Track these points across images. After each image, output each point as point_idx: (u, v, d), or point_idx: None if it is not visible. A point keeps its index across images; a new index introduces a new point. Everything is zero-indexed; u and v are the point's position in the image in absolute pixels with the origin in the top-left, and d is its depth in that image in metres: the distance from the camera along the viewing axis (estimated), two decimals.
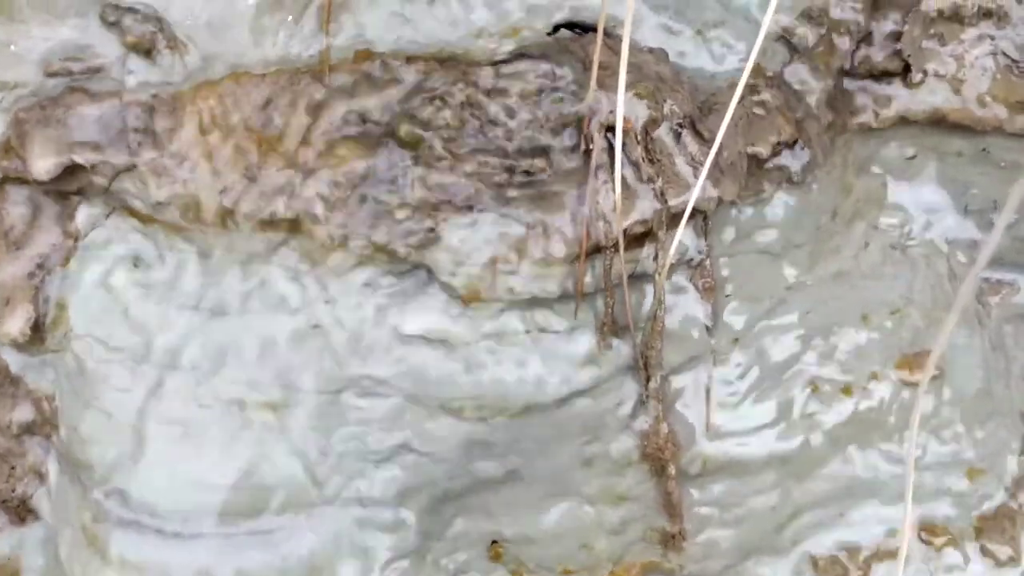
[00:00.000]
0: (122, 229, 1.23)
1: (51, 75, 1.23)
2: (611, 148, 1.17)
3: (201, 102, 1.20)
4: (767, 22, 1.10)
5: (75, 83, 1.23)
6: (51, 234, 1.24)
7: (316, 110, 1.20)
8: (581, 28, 1.26)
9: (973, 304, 1.41)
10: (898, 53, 1.35)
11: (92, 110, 1.21)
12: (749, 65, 1.11)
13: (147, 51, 1.21)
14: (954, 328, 1.36)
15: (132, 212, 1.22)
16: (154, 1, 1.22)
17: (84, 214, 1.24)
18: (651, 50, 1.25)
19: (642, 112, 1.18)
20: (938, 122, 1.37)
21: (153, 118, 1.20)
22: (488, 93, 1.20)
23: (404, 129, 1.18)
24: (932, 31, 1.35)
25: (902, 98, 1.36)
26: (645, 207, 1.18)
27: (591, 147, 1.18)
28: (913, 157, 1.39)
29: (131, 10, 1.21)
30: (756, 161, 1.26)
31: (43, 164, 1.20)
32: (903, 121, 1.37)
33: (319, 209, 1.18)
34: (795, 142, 1.26)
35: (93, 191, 1.23)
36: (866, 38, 1.35)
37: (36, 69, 1.23)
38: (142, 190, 1.21)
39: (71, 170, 1.21)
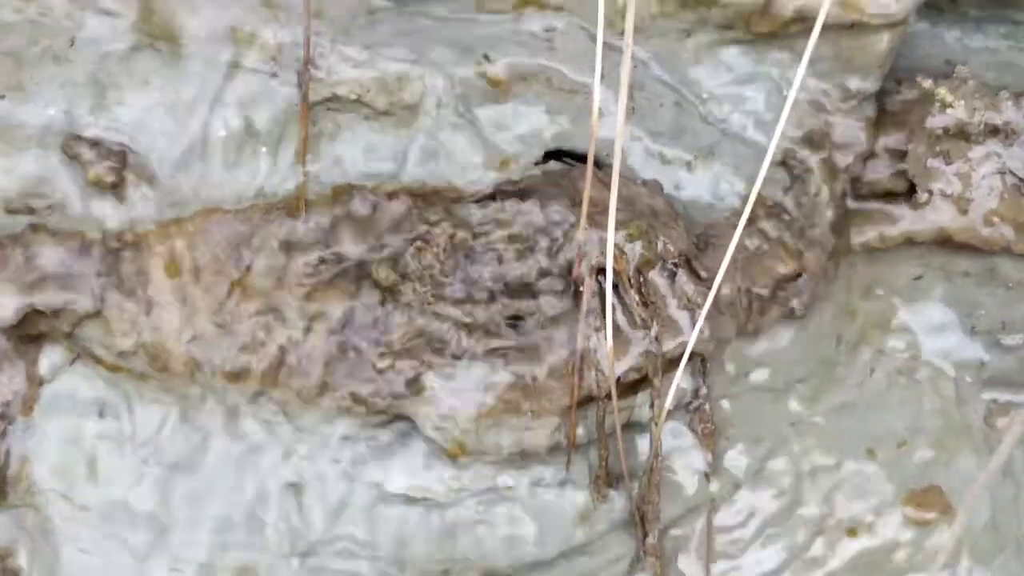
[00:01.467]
0: (88, 376, 1.16)
1: (12, 212, 1.16)
2: (602, 291, 1.11)
3: (168, 242, 1.14)
4: (770, 154, 1.04)
5: (37, 220, 1.16)
6: (14, 380, 1.17)
7: (291, 250, 1.14)
8: (572, 157, 1.20)
9: (981, 427, 1.35)
10: (903, 173, 1.30)
11: (54, 252, 1.14)
12: (750, 203, 1.05)
13: (112, 186, 1.15)
14: (961, 455, 1.31)
15: (98, 359, 1.16)
16: (120, 132, 1.15)
17: (48, 360, 1.17)
18: (644, 182, 1.19)
19: (635, 253, 1.12)
20: (944, 242, 1.32)
21: (118, 260, 1.14)
22: (473, 232, 1.14)
23: (383, 274, 1.12)
24: (938, 149, 1.29)
25: (907, 218, 1.30)
26: (639, 353, 1.12)
27: (581, 290, 1.12)
28: (919, 277, 1.33)
29: (94, 143, 1.15)
30: (756, 297, 1.20)
31: (3, 311, 1.13)
32: (909, 242, 1.31)
33: (294, 359, 1.12)
34: (798, 275, 1.21)
35: (56, 336, 1.16)
36: (870, 158, 1.29)
37: None
38: (107, 337, 1.14)
39: (33, 314, 1.14)
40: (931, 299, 1.34)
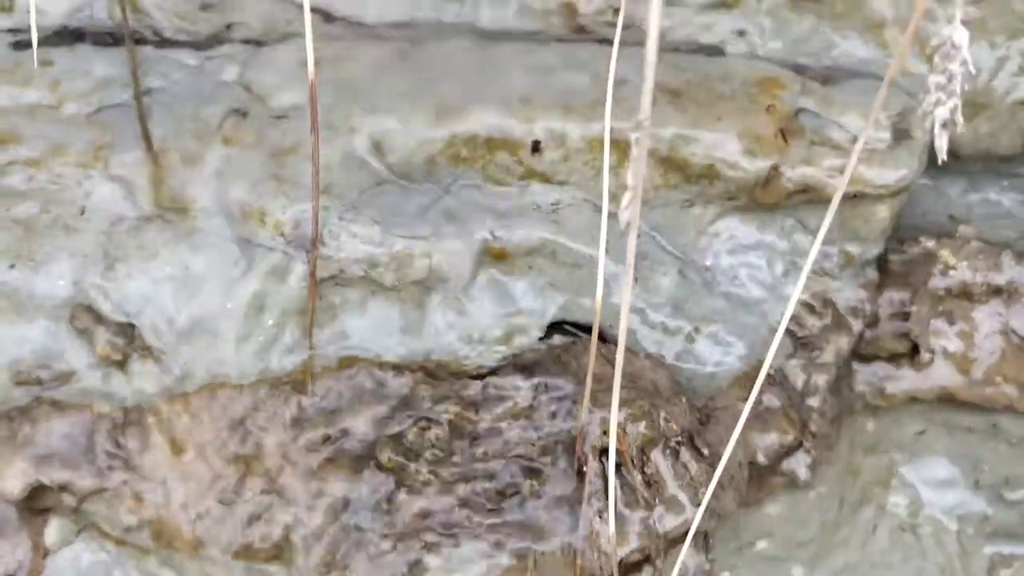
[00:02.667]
0: (93, 549, 1.17)
1: (20, 383, 1.17)
2: (605, 471, 1.11)
3: (174, 418, 1.15)
4: (781, 330, 1.04)
5: (44, 392, 1.17)
6: (18, 550, 1.18)
7: (297, 427, 1.15)
8: (576, 327, 1.21)
9: None
10: (906, 334, 1.30)
11: (61, 426, 1.15)
12: (757, 385, 1.06)
13: (119, 360, 1.16)
14: None
15: (103, 533, 1.16)
16: (129, 305, 1.16)
17: (54, 531, 1.18)
18: (647, 355, 1.20)
19: (637, 432, 1.13)
20: (947, 399, 1.32)
21: (124, 435, 1.15)
22: (476, 409, 1.15)
23: (386, 455, 1.12)
24: (941, 309, 1.30)
25: (910, 378, 1.31)
26: (641, 533, 1.13)
27: (585, 470, 1.13)
28: (922, 433, 1.34)
29: (102, 317, 1.16)
30: (758, 468, 1.20)
31: (10, 485, 1.14)
32: (912, 400, 1.31)
33: (299, 538, 1.12)
34: (799, 444, 1.21)
35: (63, 509, 1.17)
36: (873, 320, 1.30)
37: (4, 373, 1.17)
38: (112, 513, 1.15)
39: (40, 489, 1.15)
40: (934, 454, 1.34)
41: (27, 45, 1.29)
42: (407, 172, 1.21)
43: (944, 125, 0.83)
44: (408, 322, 1.17)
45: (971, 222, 1.34)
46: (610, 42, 1.31)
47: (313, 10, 1.34)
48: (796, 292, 1.01)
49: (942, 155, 0.84)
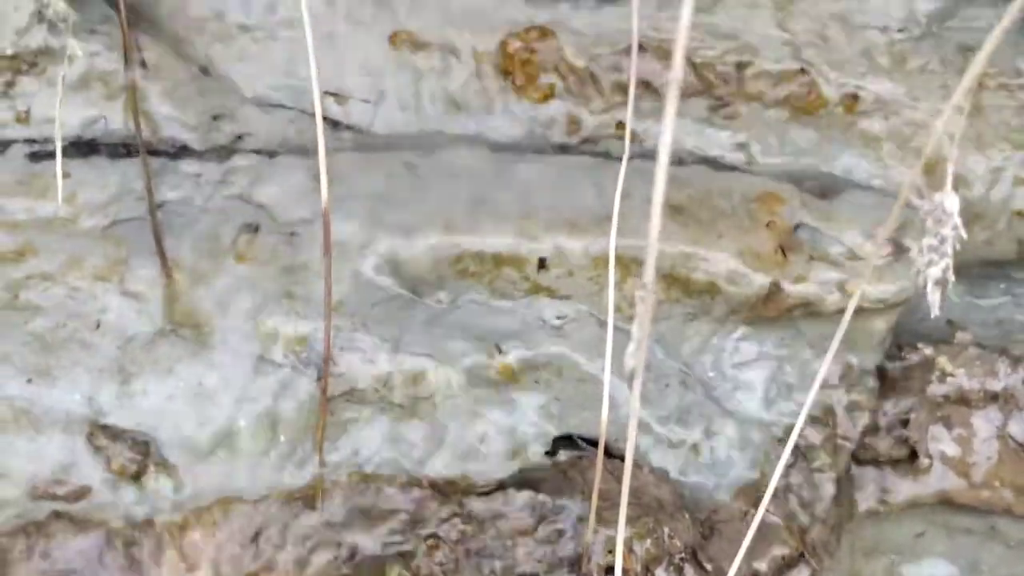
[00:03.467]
0: None
1: (36, 498, 1.19)
2: None
3: (187, 535, 1.17)
4: (790, 447, 1.06)
5: (61, 507, 1.19)
6: None
7: (308, 543, 1.17)
8: (583, 440, 1.23)
9: None
10: (905, 440, 1.32)
11: (76, 543, 1.17)
12: (762, 507, 1.08)
13: (134, 476, 1.18)
14: None
15: None
16: (144, 420, 1.19)
17: None
18: (651, 470, 1.22)
19: (642, 551, 1.15)
20: (946, 502, 1.34)
21: (139, 552, 1.17)
22: (483, 527, 1.17)
23: (395, 573, 1.15)
24: (939, 415, 1.32)
25: (909, 484, 1.33)
26: None
27: None
28: (922, 535, 1.36)
29: (118, 434, 1.19)
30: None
31: None
32: (911, 505, 1.34)
33: None
34: (801, 556, 1.23)
35: None
36: (873, 427, 1.32)
37: (21, 487, 1.19)
38: None
39: None
40: (933, 555, 1.36)
41: (43, 156, 1.33)
42: (416, 287, 1.24)
43: (937, 283, 0.86)
44: (417, 438, 1.20)
45: (968, 328, 1.36)
46: (611, 155, 1.35)
47: (323, 119, 1.37)
48: (805, 409, 1.03)
49: (935, 310, 0.87)
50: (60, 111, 1.31)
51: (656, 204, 0.79)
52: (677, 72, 0.69)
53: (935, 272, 0.86)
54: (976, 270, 1.40)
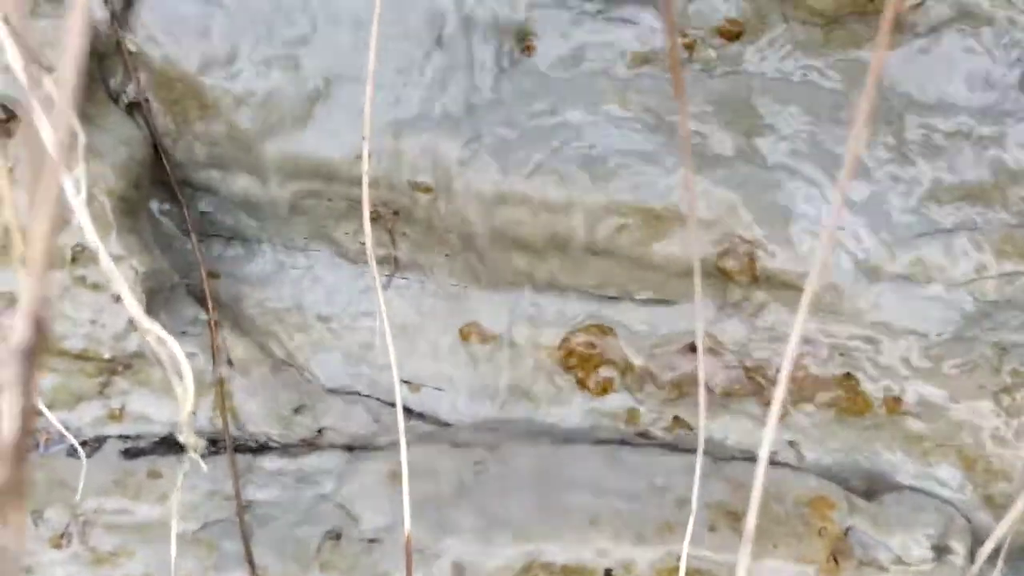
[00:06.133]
0: None
1: None
2: None
3: None
4: None
5: None
6: None
7: None
8: None
9: None
10: None
11: None
12: None
13: None
14: None
15: None
16: None
17: None
18: None
19: None
20: None
21: None
22: None
23: None
24: None
25: None
26: None
27: None
28: None
29: None
30: None
31: None
32: None
33: None
34: None
35: None
36: None
37: None
38: None
39: None
40: None
41: (136, 453, 1.42)
42: None
43: None
44: None
45: None
46: (672, 446, 1.43)
47: (393, 404, 1.46)
48: None
49: None
50: (154, 412, 1.41)
51: (748, 528, 0.87)
52: (780, 391, 0.76)
53: None
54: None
